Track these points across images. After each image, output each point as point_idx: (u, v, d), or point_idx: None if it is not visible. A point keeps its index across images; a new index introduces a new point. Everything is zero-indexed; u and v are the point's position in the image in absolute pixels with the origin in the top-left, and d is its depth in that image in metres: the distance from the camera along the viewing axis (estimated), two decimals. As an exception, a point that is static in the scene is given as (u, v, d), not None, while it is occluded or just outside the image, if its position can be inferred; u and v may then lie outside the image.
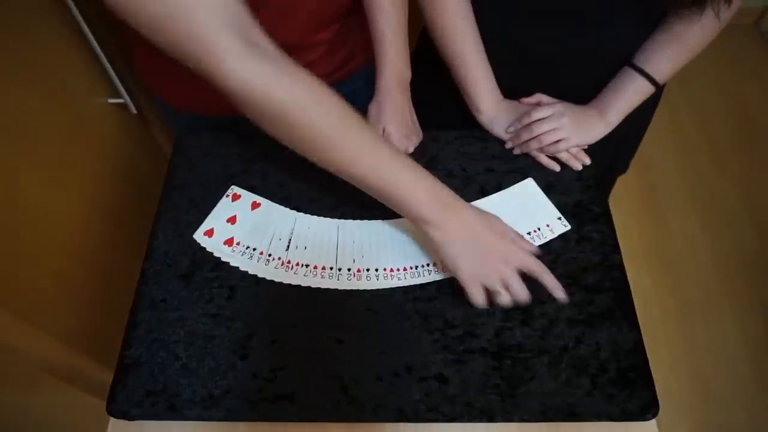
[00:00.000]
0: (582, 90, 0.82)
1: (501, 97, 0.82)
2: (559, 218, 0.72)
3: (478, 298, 0.59)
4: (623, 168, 1.05)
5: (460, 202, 0.60)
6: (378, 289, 0.67)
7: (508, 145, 0.80)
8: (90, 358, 0.84)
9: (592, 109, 0.79)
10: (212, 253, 0.70)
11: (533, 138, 0.76)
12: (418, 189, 0.58)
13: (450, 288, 0.67)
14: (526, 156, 0.78)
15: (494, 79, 0.81)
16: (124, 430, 0.63)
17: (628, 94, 0.78)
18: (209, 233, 0.71)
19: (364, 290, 0.67)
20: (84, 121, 0.89)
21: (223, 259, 0.69)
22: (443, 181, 0.75)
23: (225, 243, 0.70)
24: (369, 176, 0.58)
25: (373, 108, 0.77)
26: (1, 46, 0.69)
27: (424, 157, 0.78)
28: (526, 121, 0.77)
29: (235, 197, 0.74)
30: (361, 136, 0.57)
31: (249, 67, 0.50)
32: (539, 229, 0.71)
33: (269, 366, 0.62)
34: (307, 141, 0.55)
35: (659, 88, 0.79)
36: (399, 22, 0.75)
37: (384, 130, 0.76)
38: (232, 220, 0.73)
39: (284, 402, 0.60)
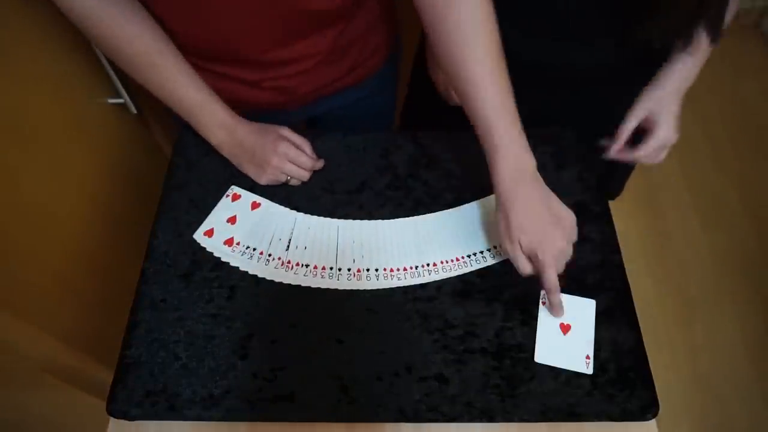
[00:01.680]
0: (588, 102, 0.82)
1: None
2: None
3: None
4: (617, 191, 1.05)
5: (233, 120, 0.73)
6: (378, 289, 0.67)
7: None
8: (90, 358, 0.84)
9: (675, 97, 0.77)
10: (212, 253, 0.70)
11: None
12: (202, 115, 0.72)
13: (450, 288, 0.67)
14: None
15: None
16: (124, 430, 0.63)
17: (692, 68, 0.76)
18: (209, 233, 0.71)
19: (364, 290, 0.67)
20: (84, 121, 0.89)
21: (223, 259, 0.69)
22: (443, 181, 0.76)
23: (225, 243, 0.70)
24: (174, 102, 0.71)
25: (498, 215, 0.62)
26: (1, 46, 0.69)
27: (424, 156, 0.78)
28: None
29: (235, 197, 0.74)
30: (167, 66, 0.68)
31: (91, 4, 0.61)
32: (539, 229, 0.71)
33: (269, 366, 0.62)
34: (129, 65, 0.68)
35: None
36: (504, 97, 0.60)
37: (520, 244, 0.60)
38: (232, 220, 0.72)
39: (284, 402, 0.60)
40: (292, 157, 0.74)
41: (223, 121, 0.72)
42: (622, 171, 1.00)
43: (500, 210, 0.62)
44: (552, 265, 0.59)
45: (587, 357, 0.61)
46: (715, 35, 0.70)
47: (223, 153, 0.75)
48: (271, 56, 0.73)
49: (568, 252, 0.61)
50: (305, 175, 0.75)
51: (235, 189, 0.75)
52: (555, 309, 0.63)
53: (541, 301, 0.65)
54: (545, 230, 0.60)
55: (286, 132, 0.76)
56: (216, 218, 0.73)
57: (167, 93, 0.70)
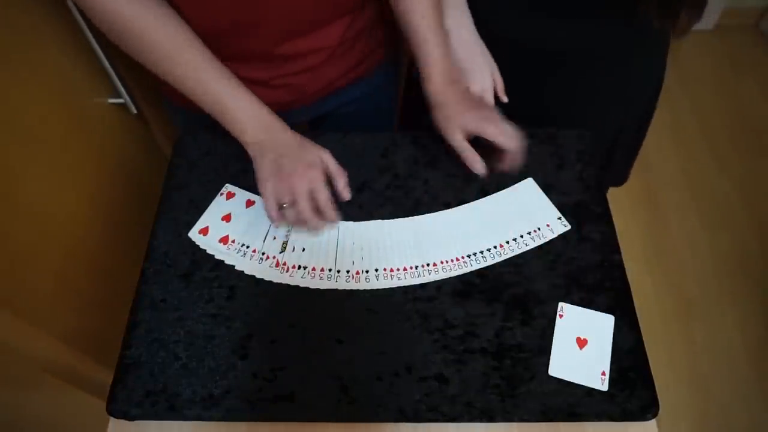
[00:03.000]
0: (573, 86, 0.82)
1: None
2: (559, 218, 0.72)
3: (270, 212, 0.66)
4: (619, 179, 1.05)
5: (280, 125, 0.69)
6: (378, 289, 0.67)
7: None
8: (90, 358, 0.84)
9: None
10: (206, 251, 0.70)
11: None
12: (238, 110, 0.66)
13: (450, 288, 0.67)
14: (527, 155, 0.78)
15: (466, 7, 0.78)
16: (124, 430, 0.63)
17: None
18: (204, 231, 0.71)
19: (364, 290, 0.67)
20: (84, 121, 0.89)
21: (218, 257, 0.69)
22: (443, 181, 0.76)
23: (220, 241, 0.70)
24: (197, 93, 0.66)
25: (437, 115, 0.73)
26: (1, 46, 0.69)
27: (424, 156, 0.78)
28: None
29: (230, 195, 0.74)
30: (194, 58, 0.65)
31: None
32: (539, 229, 0.71)
33: (269, 366, 0.62)
34: (149, 56, 0.64)
35: None
36: (437, 22, 0.72)
37: (459, 127, 0.72)
38: (226, 218, 0.72)
39: (284, 402, 0.60)
40: (315, 187, 0.66)
41: (258, 114, 0.67)
42: (622, 157, 1.00)
43: (436, 107, 0.73)
44: (497, 124, 0.71)
45: (603, 373, 0.61)
46: (699, 12, 0.70)
47: (249, 149, 0.69)
48: (281, 50, 0.73)
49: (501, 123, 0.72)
50: (293, 219, 0.67)
51: (229, 187, 0.75)
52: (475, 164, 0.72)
53: (558, 314, 0.65)
54: (478, 109, 0.73)
55: (327, 157, 0.68)
56: (210, 216, 0.73)
57: (191, 85, 0.66)
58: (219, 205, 0.74)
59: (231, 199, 0.74)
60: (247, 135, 0.68)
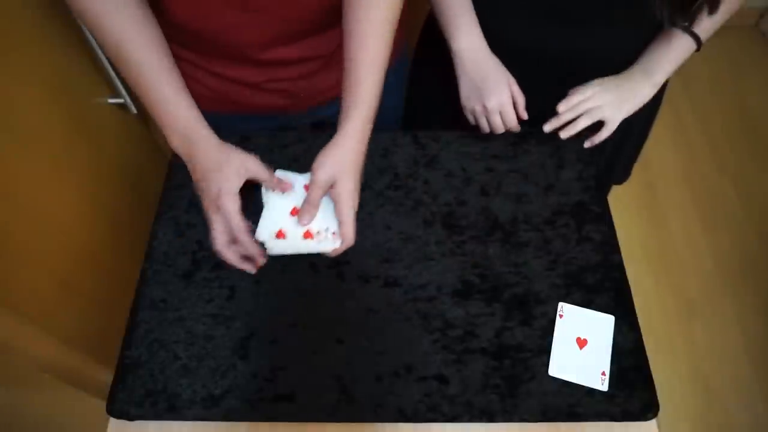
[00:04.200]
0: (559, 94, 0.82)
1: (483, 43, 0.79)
2: None
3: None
4: (622, 176, 1.05)
5: (203, 142, 0.64)
6: (378, 289, 0.67)
7: (547, 128, 0.78)
8: (90, 358, 0.84)
9: (636, 73, 0.78)
10: (285, 254, 0.64)
11: (579, 117, 0.77)
12: (171, 122, 0.64)
13: (450, 288, 0.67)
14: (527, 156, 0.78)
15: (477, 23, 0.78)
16: (124, 430, 0.63)
17: (674, 52, 0.77)
18: (281, 234, 0.63)
19: (364, 290, 0.67)
20: (84, 121, 0.89)
21: (310, 252, 0.63)
22: (443, 181, 0.76)
23: (305, 236, 0.63)
24: (144, 100, 0.65)
25: (329, 153, 0.64)
26: (1, 46, 0.69)
27: (424, 156, 0.78)
28: (565, 107, 0.77)
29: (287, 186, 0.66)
30: (149, 70, 0.63)
31: None
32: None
33: (269, 366, 0.62)
34: (117, 62, 0.64)
35: (700, 46, 0.77)
36: (375, 60, 0.66)
37: (336, 183, 0.63)
38: (294, 211, 0.64)
39: (284, 402, 0.60)
40: (214, 237, 0.63)
41: (181, 124, 0.64)
42: (627, 155, 1.00)
43: (335, 144, 0.65)
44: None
45: (603, 373, 0.61)
46: (713, 6, 0.69)
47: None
48: (271, 55, 0.72)
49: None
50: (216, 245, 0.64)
51: (279, 173, 0.66)
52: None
53: (558, 314, 0.65)
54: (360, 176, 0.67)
55: (249, 167, 0.63)
56: (276, 215, 0.64)
57: (133, 81, 0.64)
58: (281, 199, 0.64)
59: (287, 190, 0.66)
60: (172, 143, 0.65)
